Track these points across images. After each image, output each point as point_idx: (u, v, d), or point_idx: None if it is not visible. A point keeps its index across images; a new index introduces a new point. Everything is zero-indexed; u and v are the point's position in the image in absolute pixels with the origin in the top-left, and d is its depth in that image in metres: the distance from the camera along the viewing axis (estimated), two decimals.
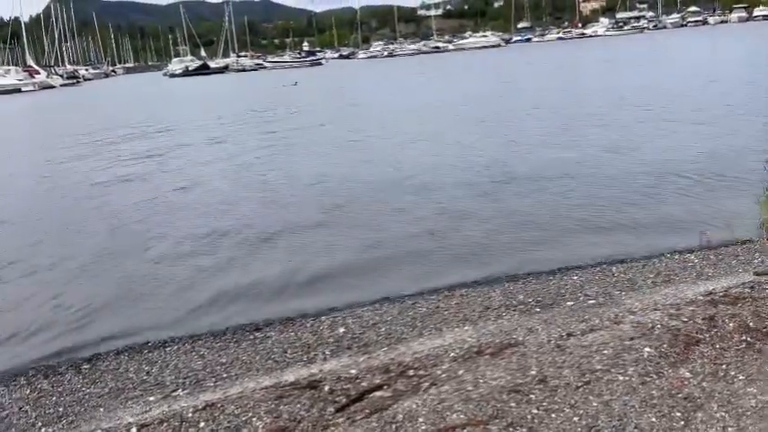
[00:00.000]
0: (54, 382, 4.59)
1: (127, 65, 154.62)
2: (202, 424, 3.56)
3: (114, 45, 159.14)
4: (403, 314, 5.22)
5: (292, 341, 4.88)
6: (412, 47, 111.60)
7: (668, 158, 10.70)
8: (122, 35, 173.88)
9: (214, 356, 4.74)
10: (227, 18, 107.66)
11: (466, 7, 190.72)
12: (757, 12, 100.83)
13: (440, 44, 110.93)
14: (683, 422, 3.12)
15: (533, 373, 3.72)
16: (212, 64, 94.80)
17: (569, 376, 3.63)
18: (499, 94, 25.86)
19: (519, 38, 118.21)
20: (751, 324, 4.05)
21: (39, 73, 73.66)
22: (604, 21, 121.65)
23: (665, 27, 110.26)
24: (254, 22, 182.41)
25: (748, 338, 3.88)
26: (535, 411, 3.32)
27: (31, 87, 67.25)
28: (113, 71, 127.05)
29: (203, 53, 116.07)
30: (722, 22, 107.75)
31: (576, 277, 5.75)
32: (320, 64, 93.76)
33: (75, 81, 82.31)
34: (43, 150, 18.47)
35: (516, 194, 9.18)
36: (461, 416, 3.33)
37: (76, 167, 14.62)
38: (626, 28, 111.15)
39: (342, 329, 5.01)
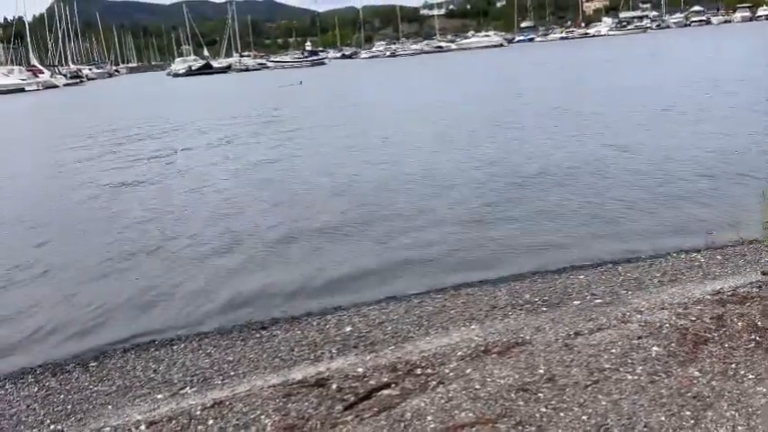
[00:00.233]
0: (62, 379, 4.60)
1: (130, 64, 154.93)
2: (211, 422, 3.57)
3: (117, 45, 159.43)
4: (409, 313, 5.22)
5: (299, 339, 4.88)
6: (414, 47, 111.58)
7: (673, 157, 10.68)
8: (125, 35, 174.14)
9: (221, 355, 4.74)
10: (230, 17, 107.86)
11: (469, 7, 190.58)
12: (761, 11, 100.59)
13: (442, 44, 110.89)
14: (692, 421, 3.11)
15: (541, 371, 3.72)
16: (215, 64, 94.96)
17: (578, 375, 3.63)
18: (502, 94, 25.84)
19: (522, 37, 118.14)
20: (759, 323, 4.04)
21: (42, 72, 73.92)
22: (607, 20, 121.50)
23: (668, 27, 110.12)
24: (257, 21, 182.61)
25: (757, 338, 3.87)
26: (544, 410, 3.31)
27: (34, 87, 67.44)
28: (116, 71, 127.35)
29: (206, 53, 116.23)
30: (726, 21, 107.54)
31: (582, 276, 5.75)
32: (323, 64, 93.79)
33: (78, 81, 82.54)
34: (48, 150, 18.53)
35: (520, 194, 9.17)
36: (470, 414, 3.33)
37: (82, 168, 14.65)
38: (629, 28, 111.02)
39: (348, 328, 5.01)
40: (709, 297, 4.68)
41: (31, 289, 6.71)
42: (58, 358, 5.02)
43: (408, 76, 48.13)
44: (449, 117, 19.51)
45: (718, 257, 5.93)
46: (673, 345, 3.88)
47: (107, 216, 9.63)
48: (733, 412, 3.16)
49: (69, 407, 4.14)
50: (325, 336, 4.89)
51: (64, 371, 4.76)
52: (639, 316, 4.43)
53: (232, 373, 4.36)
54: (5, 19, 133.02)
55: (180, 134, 19.97)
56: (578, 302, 5.02)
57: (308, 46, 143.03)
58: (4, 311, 6.11)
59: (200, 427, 3.53)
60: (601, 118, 16.12)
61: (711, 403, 3.25)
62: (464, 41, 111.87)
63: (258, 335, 5.08)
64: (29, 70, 73.38)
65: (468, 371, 3.82)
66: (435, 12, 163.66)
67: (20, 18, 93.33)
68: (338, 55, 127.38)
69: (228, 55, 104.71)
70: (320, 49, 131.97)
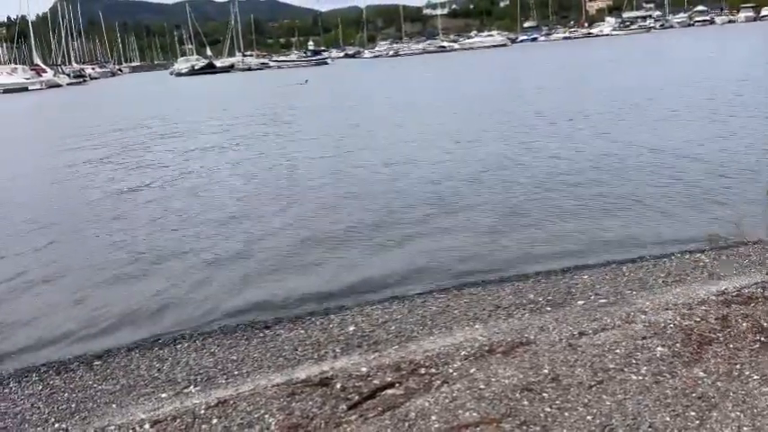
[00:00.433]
0: (66, 378, 4.61)
1: (133, 64, 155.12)
2: (215, 420, 3.57)
3: (120, 44, 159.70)
4: (413, 313, 5.22)
5: (302, 339, 4.88)
6: (417, 46, 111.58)
7: (677, 157, 10.67)
8: (129, 34, 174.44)
9: (225, 354, 4.74)
10: (233, 17, 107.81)
11: (472, 6, 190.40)
12: (765, 11, 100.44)
13: (445, 44, 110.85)
14: (697, 422, 3.11)
15: (546, 371, 3.71)
16: (218, 63, 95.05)
17: (582, 375, 3.62)
18: (506, 94, 25.83)
19: (525, 37, 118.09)
20: (764, 324, 4.03)
21: (46, 72, 74.00)
22: (611, 20, 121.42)
23: (671, 27, 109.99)
24: (259, 21, 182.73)
25: (762, 338, 3.86)
26: (548, 410, 3.31)
27: (37, 86, 67.55)
28: (119, 70, 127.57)
29: (209, 52, 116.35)
30: (729, 21, 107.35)
31: (586, 276, 5.74)
32: (326, 63, 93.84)
33: (81, 80, 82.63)
34: (53, 150, 18.55)
35: (523, 193, 9.16)
36: (474, 414, 3.33)
37: (86, 168, 14.68)
38: (632, 27, 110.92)
39: (352, 327, 5.01)
40: (713, 297, 4.67)
41: (35, 288, 6.72)
42: (62, 357, 5.03)
43: (413, 75, 48.14)
44: (456, 116, 19.50)
45: (723, 258, 5.92)
46: (677, 345, 3.88)
47: (111, 216, 9.64)
48: (738, 413, 3.16)
49: (74, 405, 4.15)
50: (328, 335, 4.89)
51: (68, 369, 4.77)
52: (644, 316, 4.42)
53: (236, 373, 4.36)
54: (9, 18, 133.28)
55: (187, 134, 19.88)
56: (582, 302, 5.01)
57: (311, 45, 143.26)
58: (9, 310, 6.12)
59: (204, 426, 3.53)
60: (604, 117, 16.10)
61: (716, 404, 3.24)
62: (467, 41, 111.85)
63: (262, 334, 5.08)
64: (32, 69, 73.46)
65: (472, 370, 3.82)
66: (438, 11, 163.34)
67: (23, 17, 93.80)
68: (341, 54, 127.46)
69: (231, 54, 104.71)
70: (323, 48, 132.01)
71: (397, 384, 3.76)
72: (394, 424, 3.32)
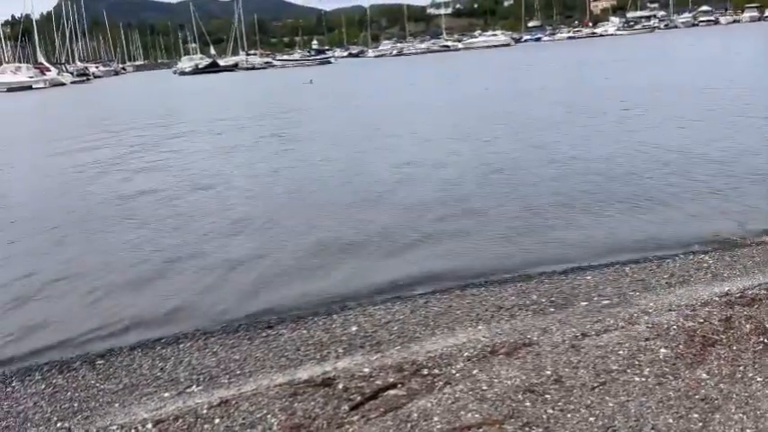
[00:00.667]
0: (68, 377, 4.61)
1: (136, 62, 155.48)
2: (217, 420, 3.57)
3: (124, 43, 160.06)
4: (415, 313, 5.21)
5: (305, 339, 4.88)
6: (421, 46, 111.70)
7: (683, 157, 10.64)
8: (132, 33, 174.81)
9: (227, 353, 4.74)
10: (236, 16, 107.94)
11: (476, 6, 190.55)
12: None
13: (449, 43, 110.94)
14: (700, 424, 3.10)
15: (548, 372, 3.71)
16: (222, 62, 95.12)
17: (585, 376, 3.62)
18: (513, 93, 25.82)
19: (529, 37, 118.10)
20: None
21: (49, 70, 74.09)
22: (615, 20, 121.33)
23: (676, 27, 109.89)
24: (263, 20, 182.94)
25: (765, 340, 3.86)
26: (551, 411, 3.31)
27: (41, 84, 67.67)
28: (123, 69, 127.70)
29: (213, 51, 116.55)
30: (734, 21, 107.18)
31: (589, 277, 5.73)
32: (329, 63, 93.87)
33: (85, 78, 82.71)
34: (57, 149, 18.55)
35: (526, 193, 9.15)
36: (476, 415, 3.33)
37: (91, 167, 14.68)
38: (637, 27, 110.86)
39: (354, 328, 5.00)
40: (717, 299, 4.66)
41: (37, 287, 6.72)
42: (64, 356, 5.03)
43: (418, 75, 48.06)
44: (465, 115, 19.47)
45: (727, 259, 5.90)
46: (680, 346, 3.87)
47: (116, 215, 9.65)
48: (741, 415, 3.15)
49: (76, 404, 4.15)
50: (331, 335, 4.89)
51: (71, 368, 4.77)
52: (647, 317, 4.42)
53: (238, 372, 4.36)
54: (13, 17, 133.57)
55: (194, 134, 19.72)
56: (585, 303, 5.00)
57: (315, 45, 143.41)
58: (11, 309, 6.13)
59: (206, 426, 3.53)
60: (607, 117, 16.06)
61: (719, 406, 3.24)
62: (471, 41, 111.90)
63: (264, 334, 5.08)
64: (36, 68, 73.59)
65: (474, 371, 3.82)
66: (442, 11, 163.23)
67: (27, 16, 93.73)
68: (345, 54, 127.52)
69: (235, 53, 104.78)
70: (327, 47, 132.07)
71: (399, 385, 3.76)
72: (396, 425, 3.32)
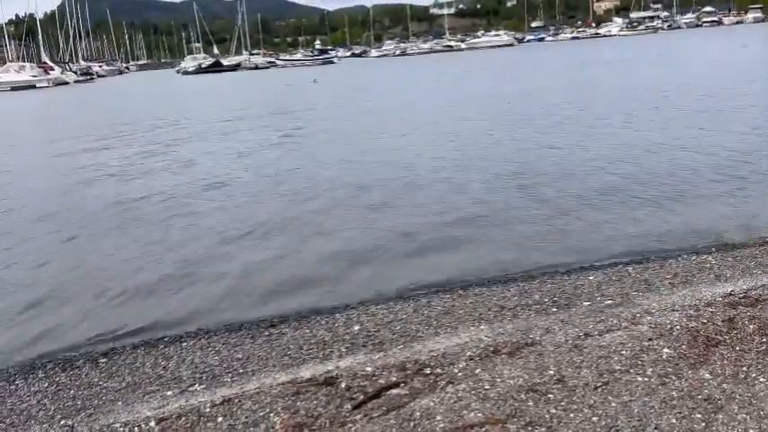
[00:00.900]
0: (72, 375, 4.62)
1: (140, 62, 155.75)
2: (220, 419, 3.58)
3: (128, 42, 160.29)
4: (418, 312, 5.21)
5: (307, 338, 4.88)
6: (424, 46, 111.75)
7: (684, 158, 10.63)
8: (136, 32, 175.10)
9: (230, 352, 4.75)
10: (240, 16, 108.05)
11: (479, 6, 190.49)
12: None
13: (452, 43, 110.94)
14: (703, 424, 3.10)
15: (551, 372, 3.71)
16: (225, 62, 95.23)
17: (588, 376, 3.62)
18: (515, 93, 25.79)
19: (532, 37, 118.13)
20: None
21: (53, 69, 74.29)
22: (618, 20, 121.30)
23: (679, 27, 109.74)
24: (266, 19, 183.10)
25: None
26: (553, 411, 3.31)
27: (45, 84, 67.84)
28: (127, 68, 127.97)
29: (216, 51, 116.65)
30: (738, 22, 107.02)
31: (592, 277, 5.72)
32: (332, 62, 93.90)
33: (88, 78, 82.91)
34: (60, 149, 18.60)
35: (528, 193, 9.14)
36: (479, 414, 3.33)
37: (95, 166, 14.71)
38: (640, 28, 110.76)
39: (357, 327, 5.01)
40: (720, 299, 4.65)
41: (40, 286, 6.74)
42: (68, 354, 5.04)
43: (422, 74, 48.03)
44: (471, 115, 19.46)
45: (730, 259, 5.89)
46: (683, 347, 3.87)
47: (119, 215, 9.67)
48: (744, 415, 3.15)
49: (79, 402, 4.16)
50: (333, 334, 4.89)
51: (74, 366, 4.78)
52: (650, 318, 4.41)
53: (241, 371, 4.36)
54: (17, 16, 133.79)
55: (202, 135, 19.62)
56: (588, 303, 5.00)
57: (318, 44, 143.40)
58: (14, 307, 6.14)
59: (209, 425, 3.54)
60: (620, 117, 16.02)
61: (722, 406, 3.23)
62: (474, 41, 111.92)
63: (267, 333, 5.08)
64: (40, 67, 73.76)
65: (477, 371, 3.82)
66: (445, 11, 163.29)
67: (31, 15, 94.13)
68: (348, 54, 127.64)
69: (238, 53, 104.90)
70: (330, 47, 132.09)
71: (401, 384, 3.76)
72: (399, 424, 3.32)
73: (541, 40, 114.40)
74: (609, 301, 4.98)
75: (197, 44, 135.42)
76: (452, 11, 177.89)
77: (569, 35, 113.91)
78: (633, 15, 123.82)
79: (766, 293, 4.67)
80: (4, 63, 78.43)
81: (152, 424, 3.64)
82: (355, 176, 11.10)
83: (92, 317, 5.79)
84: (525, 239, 7.16)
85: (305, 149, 14.62)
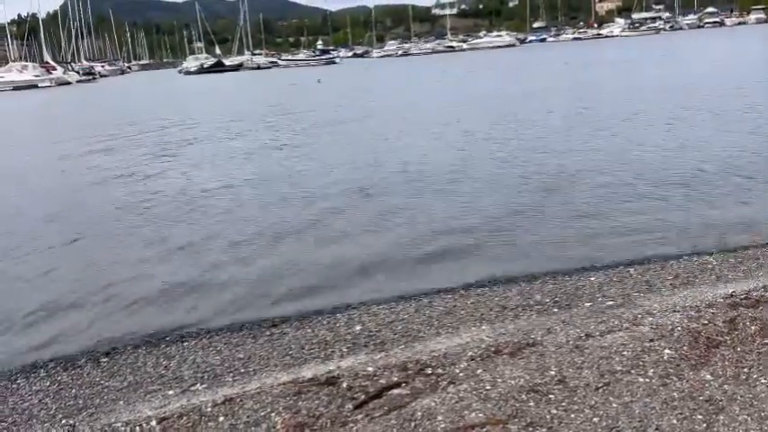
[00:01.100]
0: (73, 374, 4.63)
1: (142, 62, 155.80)
2: (222, 418, 3.58)
3: (130, 42, 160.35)
4: (419, 313, 5.22)
5: (309, 338, 4.89)
6: (426, 46, 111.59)
7: (686, 158, 10.63)
8: (138, 32, 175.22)
9: (231, 352, 4.76)
10: (242, 16, 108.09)
11: (481, 6, 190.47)
12: None
13: (454, 44, 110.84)
14: (704, 425, 3.10)
15: (552, 373, 3.71)
16: (227, 62, 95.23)
17: (589, 377, 3.62)
18: (519, 93, 25.80)
19: (534, 38, 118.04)
20: None
21: (55, 69, 74.33)
22: (620, 21, 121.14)
23: (681, 28, 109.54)
24: (269, 20, 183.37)
25: None
26: (554, 411, 3.31)
27: (47, 83, 67.90)
28: (129, 68, 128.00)
29: (218, 51, 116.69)
30: (740, 23, 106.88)
31: (593, 278, 5.72)
32: (334, 63, 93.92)
33: (91, 77, 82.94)
34: (63, 149, 18.62)
35: (530, 194, 9.14)
36: (480, 415, 3.33)
37: (98, 165, 14.73)
38: (642, 29, 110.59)
39: (358, 327, 5.01)
40: (721, 300, 4.65)
41: (42, 284, 6.76)
42: (69, 353, 5.05)
43: (424, 75, 47.99)
44: (474, 115, 19.46)
45: (731, 260, 5.89)
46: (685, 348, 3.87)
47: (122, 211, 9.68)
48: (745, 416, 3.15)
49: (81, 402, 4.17)
50: (335, 334, 4.90)
51: (75, 366, 4.79)
52: (651, 318, 4.41)
53: (242, 371, 4.37)
54: (19, 16, 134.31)
55: (207, 135, 19.59)
56: (589, 304, 5.00)
57: (320, 45, 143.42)
58: (16, 306, 6.15)
59: (210, 424, 3.55)
60: (623, 117, 16.01)
61: (723, 407, 3.23)
62: (476, 41, 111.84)
63: (269, 333, 5.09)
64: (42, 67, 73.80)
65: (478, 371, 3.82)
66: (447, 11, 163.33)
67: (33, 15, 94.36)
68: (350, 54, 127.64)
69: (240, 53, 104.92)
70: (332, 47, 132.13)
71: (403, 384, 3.76)
72: (400, 424, 3.33)
73: (543, 40, 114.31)
74: (610, 302, 4.99)
75: (199, 44, 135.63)
76: (454, 11, 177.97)
77: (571, 36, 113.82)
78: (635, 16, 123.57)
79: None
80: (7, 63, 78.56)
81: (153, 423, 3.64)
82: (357, 178, 11.10)
83: (93, 316, 5.80)
84: (526, 240, 7.16)
85: (309, 151, 14.60)
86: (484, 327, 4.69)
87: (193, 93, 48.00)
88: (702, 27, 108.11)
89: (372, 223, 8.20)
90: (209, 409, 3.70)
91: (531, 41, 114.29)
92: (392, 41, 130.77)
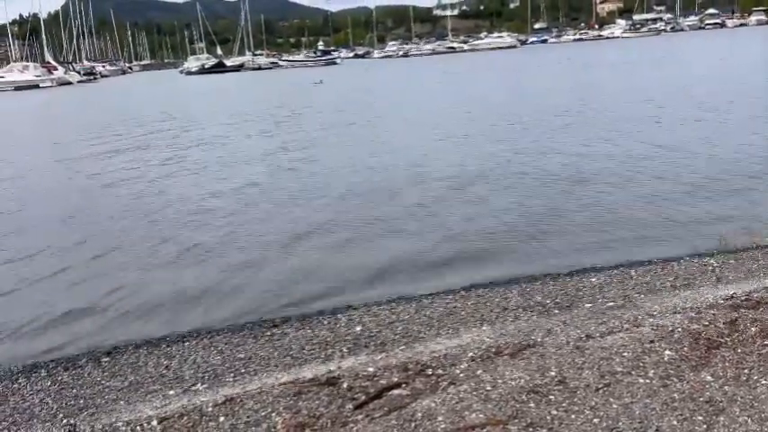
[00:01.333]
0: (74, 374, 4.63)
1: (143, 62, 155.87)
2: (222, 418, 3.59)
3: (131, 42, 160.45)
4: (420, 313, 5.22)
5: (310, 338, 4.89)
6: (427, 47, 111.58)
7: (687, 160, 10.62)
8: (139, 32, 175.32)
9: (232, 352, 4.76)
10: (243, 16, 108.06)
11: (482, 8, 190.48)
12: None
13: (455, 45, 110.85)
14: (705, 426, 3.10)
15: (552, 374, 3.71)
16: (228, 62, 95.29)
17: (589, 378, 3.62)
18: (519, 95, 25.81)
19: (535, 39, 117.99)
20: None
21: (57, 69, 74.41)
22: (621, 22, 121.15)
23: (682, 29, 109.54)
24: (270, 20, 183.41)
25: None
26: (555, 412, 3.31)
27: (49, 83, 67.99)
28: (130, 68, 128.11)
29: (219, 51, 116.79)
30: (741, 25, 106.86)
31: (594, 279, 5.72)
32: (335, 63, 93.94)
33: (92, 77, 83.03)
34: (64, 150, 18.63)
35: (531, 195, 9.14)
36: (480, 415, 3.34)
37: (98, 164, 14.74)
38: (643, 30, 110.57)
39: (359, 328, 5.01)
40: (722, 302, 4.65)
41: (43, 284, 6.76)
42: (70, 353, 5.05)
43: (425, 76, 47.98)
44: (475, 116, 19.46)
45: (732, 262, 5.89)
46: (685, 349, 3.87)
47: (123, 210, 9.69)
48: (745, 417, 3.15)
49: (82, 401, 4.17)
50: (335, 335, 4.90)
51: (76, 365, 4.79)
52: (652, 320, 4.41)
53: (243, 371, 4.37)
54: (21, 16, 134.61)
55: (213, 135, 19.54)
56: (590, 305, 5.00)
57: (321, 45, 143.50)
58: (17, 306, 6.16)
59: (211, 424, 3.55)
60: (625, 118, 16.01)
61: (724, 408, 3.23)
62: (477, 42, 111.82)
63: (269, 333, 5.09)
64: (43, 67, 73.89)
65: (479, 372, 3.82)
66: (448, 12, 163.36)
67: (35, 15, 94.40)
68: (351, 54, 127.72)
69: (241, 53, 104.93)
70: (333, 48, 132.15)
71: (403, 385, 3.77)
72: (400, 424, 3.33)
73: (544, 41, 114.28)
74: (611, 303, 4.99)
75: (200, 44, 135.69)
76: (455, 12, 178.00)
77: (572, 37, 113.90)
78: (636, 17, 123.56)
79: None
80: (8, 63, 78.62)
81: (154, 423, 3.65)
82: (359, 179, 11.11)
83: (94, 316, 5.81)
84: (527, 240, 7.16)
85: (314, 153, 14.59)
86: (484, 327, 4.69)
87: (195, 93, 48.01)
88: (703, 28, 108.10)
89: (373, 225, 8.20)
90: (209, 409, 3.71)
91: (532, 42, 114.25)
92: (393, 42, 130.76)
